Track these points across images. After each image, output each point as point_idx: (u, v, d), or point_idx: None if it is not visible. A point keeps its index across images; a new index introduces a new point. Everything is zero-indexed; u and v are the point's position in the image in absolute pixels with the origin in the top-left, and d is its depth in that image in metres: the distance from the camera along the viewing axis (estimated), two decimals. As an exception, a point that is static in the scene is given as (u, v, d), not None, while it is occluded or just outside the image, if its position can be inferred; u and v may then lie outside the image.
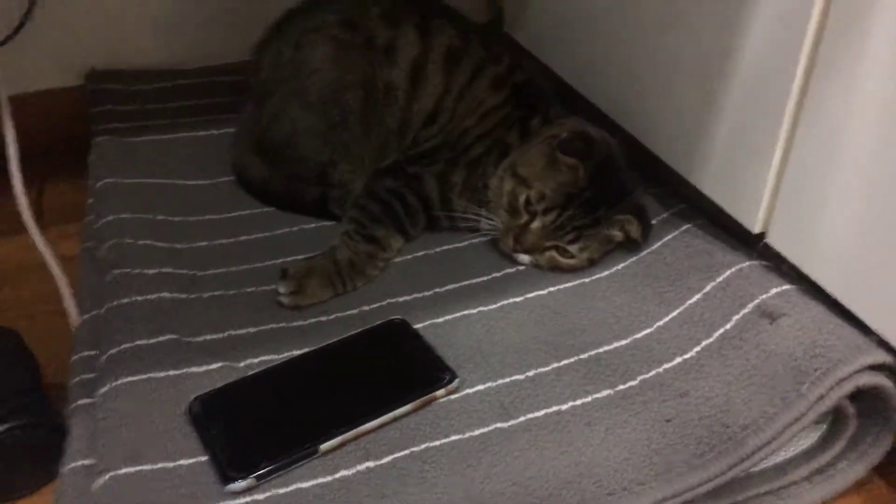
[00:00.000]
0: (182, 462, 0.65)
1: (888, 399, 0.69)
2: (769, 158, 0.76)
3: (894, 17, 0.63)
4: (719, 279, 0.81)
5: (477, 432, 0.69)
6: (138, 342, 0.74)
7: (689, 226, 0.90)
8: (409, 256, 0.91)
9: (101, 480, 0.63)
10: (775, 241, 0.79)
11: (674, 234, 0.89)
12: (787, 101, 0.73)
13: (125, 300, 0.79)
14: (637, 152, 0.94)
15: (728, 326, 0.76)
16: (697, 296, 0.80)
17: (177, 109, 1.14)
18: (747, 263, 0.82)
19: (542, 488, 0.64)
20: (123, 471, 0.63)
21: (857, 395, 0.69)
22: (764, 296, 0.77)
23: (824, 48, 0.69)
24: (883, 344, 0.69)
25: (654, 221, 0.91)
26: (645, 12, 0.90)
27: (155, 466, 0.64)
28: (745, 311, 0.77)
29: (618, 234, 0.87)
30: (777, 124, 0.74)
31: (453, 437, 0.68)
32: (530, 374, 0.74)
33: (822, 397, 0.66)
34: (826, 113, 0.70)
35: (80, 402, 0.72)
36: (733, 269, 0.81)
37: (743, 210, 0.82)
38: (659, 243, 0.89)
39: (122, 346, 0.73)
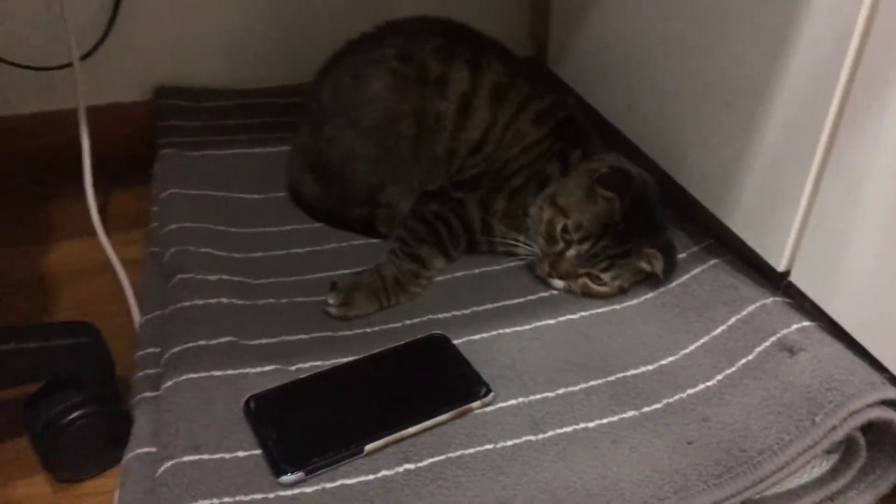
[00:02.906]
0: (238, 454, 0.70)
1: (899, 434, 0.72)
2: (797, 201, 0.79)
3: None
4: (743, 313, 0.84)
5: (509, 443, 0.73)
6: (199, 342, 0.80)
7: (717, 261, 0.93)
8: (450, 276, 0.95)
9: (164, 466, 0.68)
10: (799, 279, 0.82)
11: (702, 267, 0.93)
12: (816, 147, 0.76)
13: (187, 303, 0.85)
14: (669, 188, 0.98)
15: (750, 357, 0.80)
16: (722, 327, 0.84)
17: (237, 127, 1.20)
18: (771, 299, 0.85)
19: (569, 498, 0.67)
20: (185, 459, 0.68)
21: (870, 429, 0.72)
22: (785, 331, 0.80)
23: (851, 102, 0.73)
24: (896, 381, 0.73)
25: (683, 255, 0.94)
26: (682, 54, 0.94)
27: (213, 456, 0.69)
28: (767, 344, 0.80)
29: (646, 266, 0.91)
30: (806, 169, 0.78)
31: (486, 447, 0.72)
32: (560, 392, 0.78)
33: (834, 427, 0.69)
34: (851, 160, 0.73)
35: (145, 394, 0.79)
36: (757, 304, 0.85)
37: (769, 248, 0.85)
38: (687, 276, 0.92)
39: (185, 346, 0.79)
